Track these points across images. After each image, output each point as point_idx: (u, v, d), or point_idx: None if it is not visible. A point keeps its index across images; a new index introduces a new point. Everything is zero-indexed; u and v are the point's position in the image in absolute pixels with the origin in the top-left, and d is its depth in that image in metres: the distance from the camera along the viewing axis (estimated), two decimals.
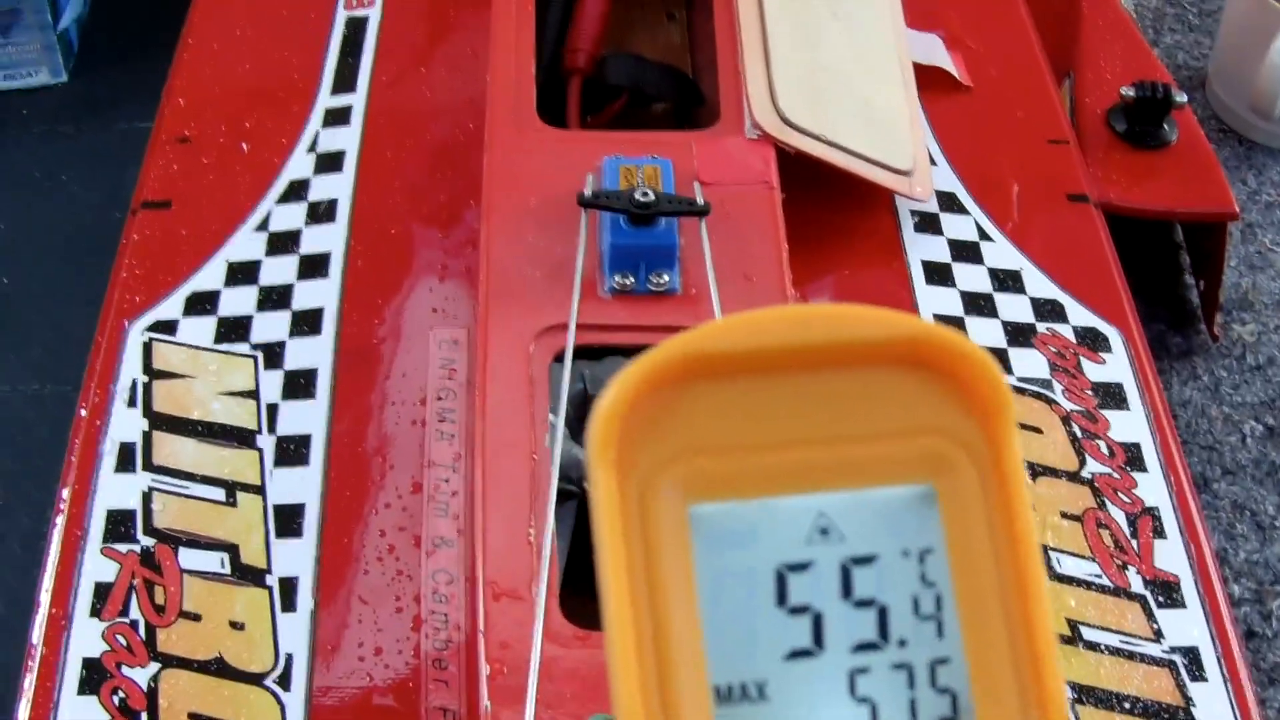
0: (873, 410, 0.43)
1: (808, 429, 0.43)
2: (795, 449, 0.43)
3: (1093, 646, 1.05)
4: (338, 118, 1.37)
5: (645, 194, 1.08)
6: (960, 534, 0.43)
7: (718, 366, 0.42)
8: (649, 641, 0.40)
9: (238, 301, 1.22)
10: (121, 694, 0.99)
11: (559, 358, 1.05)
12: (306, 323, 1.20)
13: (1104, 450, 1.15)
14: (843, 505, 0.43)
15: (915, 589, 0.43)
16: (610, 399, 0.41)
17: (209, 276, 1.24)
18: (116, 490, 1.10)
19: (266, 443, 1.13)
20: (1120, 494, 1.13)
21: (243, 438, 1.13)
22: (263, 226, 1.28)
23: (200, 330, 1.19)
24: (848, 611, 0.42)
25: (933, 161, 1.35)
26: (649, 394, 0.41)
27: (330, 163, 1.33)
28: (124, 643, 1.01)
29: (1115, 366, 1.22)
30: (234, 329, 1.19)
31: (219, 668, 1.01)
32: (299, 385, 1.16)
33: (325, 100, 1.39)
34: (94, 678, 1.00)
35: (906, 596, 0.42)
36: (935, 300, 1.25)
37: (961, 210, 1.33)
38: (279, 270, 1.24)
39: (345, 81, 1.41)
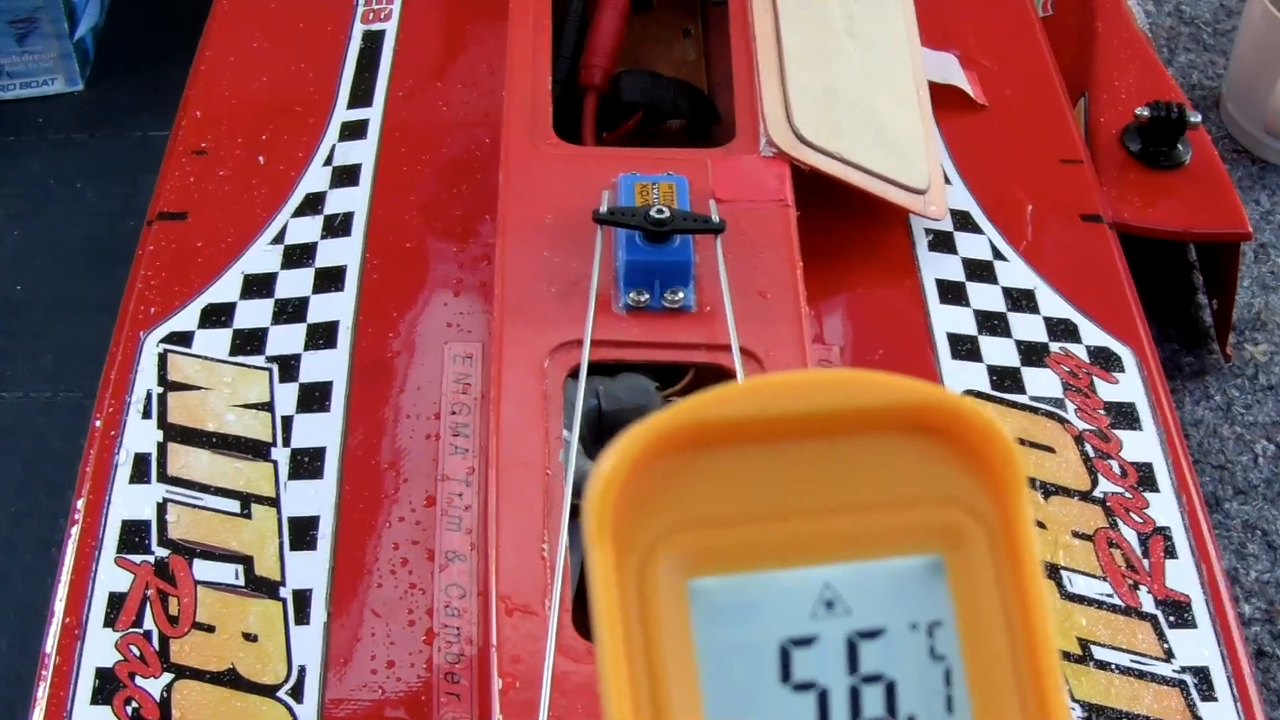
0: (880, 479, 0.42)
1: (812, 498, 0.41)
2: (799, 519, 0.41)
3: (1103, 666, 1.05)
4: (354, 131, 1.38)
5: (660, 211, 1.08)
6: (971, 606, 0.41)
7: (719, 435, 0.41)
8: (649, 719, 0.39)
9: (253, 314, 1.22)
10: (134, 704, 0.99)
11: (573, 374, 1.05)
12: (322, 336, 1.20)
13: (1116, 470, 1.16)
14: (849, 577, 0.41)
15: (924, 663, 0.41)
16: (607, 469, 0.39)
17: (224, 289, 1.24)
18: (131, 501, 1.10)
19: (281, 455, 1.13)
20: (1132, 513, 1.13)
21: (257, 450, 1.13)
22: (278, 239, 1.28)
23: (215, 342, 1.20)
24: (854, 687, 0.41)
25: (947, 180, 1.36)
26: (648, 464, 0.40)
27: (346, 176, 1.33)
28: (137, 653, 1.02)
29: (1128, 386, 1.22)
30: (249, 341, 1.20)
31: (232, 679, 1.01)
32: (314, 398, 1.16)
33: (341, 114, 1.40)
34: (107, 688, 1.00)
35: (915, 671, 0.41)
36: (948, 319, 1.25)
37: (975, 229, 1.33)
38: (294, 283, 1.24)
39: (362, 95, 1.41)
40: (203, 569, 1.06)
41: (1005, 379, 1.21)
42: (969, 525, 0.41)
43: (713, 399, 0.40)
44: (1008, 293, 1.28)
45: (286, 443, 1.14)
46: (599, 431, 1.06)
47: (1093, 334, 1.25)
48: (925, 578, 0.41)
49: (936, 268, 1.29)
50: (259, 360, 1.19)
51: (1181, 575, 1.11)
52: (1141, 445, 1.18)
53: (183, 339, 1.20)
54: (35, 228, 1.83)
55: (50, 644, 1.03)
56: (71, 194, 1.88)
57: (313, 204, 1.31)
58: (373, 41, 1.47)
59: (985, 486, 0.42)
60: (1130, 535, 1.12)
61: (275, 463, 1.12)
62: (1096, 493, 1.14)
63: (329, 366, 1.18)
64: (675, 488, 0.40)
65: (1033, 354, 1.23)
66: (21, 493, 1.56)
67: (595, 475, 0.39)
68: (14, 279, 1.77)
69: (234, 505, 1.10)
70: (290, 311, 1.22)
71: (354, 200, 1.31)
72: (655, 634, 0.40)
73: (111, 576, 1.06)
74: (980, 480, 0.42)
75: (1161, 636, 1.07)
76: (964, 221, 1.33)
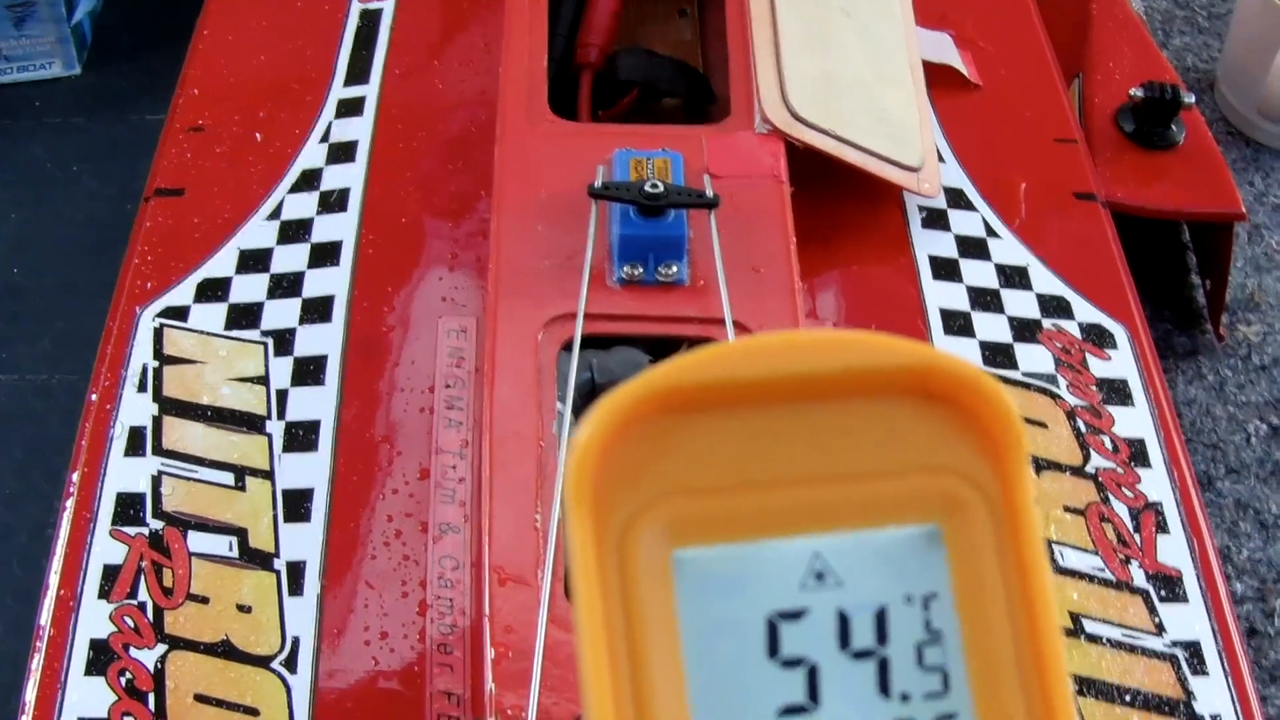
0: (874, 445, 0.40)
1: (803, 465, 0.39)
2: (789, 487, 0.39)
3: (1094, 639, 1.05)
4: (351, 108, 1.38)
5: (655, 186, 1.08)
6: (968, 578, 0.40)
7: (705, 398, 0.39)
8: (629, 697, 0.37)
9: (249, 289, 1.22)
10: (129, 675, 1.00)
11: (567, 346, 1.06)
12: (317, 310, 1.21)
13: (1108, 445, 1.16)
14: (841, 547, 0.40)
15: (919, 638, 0.40)
16: (587, 434, 0.38)
17: (221, 264, 1.24)
18: (126, 474, 1.10)
19: (276, 428, 1.13)
20: (1124, 489, 1.13)
21: (252, 423, 1.13)
22: (275, 215, 1.28)
23: (211, 317, 1.20)
24: (845, 663, 0.39)
25: (941, 159, 1.36)
26: (630, 429, 0.39)
27: (342, 153, 1.33)
28: (132, 624, 1.02)
29: (1120, 363, 1.22)
30: (245, 316, 1.20)
31: (226, 650, 1.01)
32: (308, 372, 1.17)
33: (338, 91, 1.40)
34: (101, 659, 1.01)
35: (909, 646, 0.39)
36: (942, 295, 1.25)
37: (969, 207, 1.33)
38: (290, 258, 1.25)
39: (358, 73, 1.42)
40: (197, 541, 1.07)
41: (998, 355, 1.21)
42: (967, 493, 0.40)
43: (698, 360, 0.39)
44: (1001, 269, 1.28)
45: (281, 416, 1.14)
46: (592, 404, 1.06)
47: (1085, 311, 1.25)
48: (921, 548, 0.40)
49: (930, 245, 1.29)
50: (254, 334, 1.19)
51: (1173, 550, 1.11)
52: (1133, 421, 1.18)
53: (179, 313, 1.20)
54: (33, 212, 1.84)
55: (45, 616, 1.03)
56: (69, 178, 1.88)
57: (309, 180, 1.31)
58: (370, 20, 1.48)
59: (985, 453, 0.40)
60: (1122, 510, 1.12)
61: (270, 436, 1.13)
62: (1088, 468, 1.14)
63: (324, 341, 1.19)
64: (658, 454, 0.39)
65: (1025, 330, 1.23)
66: (19, 476, 1.56)
67: (574, 441, 0.38)
68: (12, 263, 1.78)
69: (228, 478, 1.10)
70: (286, 286, 1.22)
71: (350, 177, 1.31)
72: (637, 607, 0.38)
73: (106, 549, 1.06)
74: (980, 446, 0.40)
75: (1153, 610, 1.07)
76: (957, 199, 1.34)
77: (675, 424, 0.39)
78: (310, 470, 1.11)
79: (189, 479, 1.10)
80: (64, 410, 1.58)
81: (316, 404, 1.15)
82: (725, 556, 0.39)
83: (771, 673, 0.39)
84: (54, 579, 1.05)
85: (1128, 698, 1.03)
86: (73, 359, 1.65)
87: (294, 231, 1.27)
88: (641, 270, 1.10)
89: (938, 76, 1.42)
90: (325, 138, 1.35)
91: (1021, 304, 1.25)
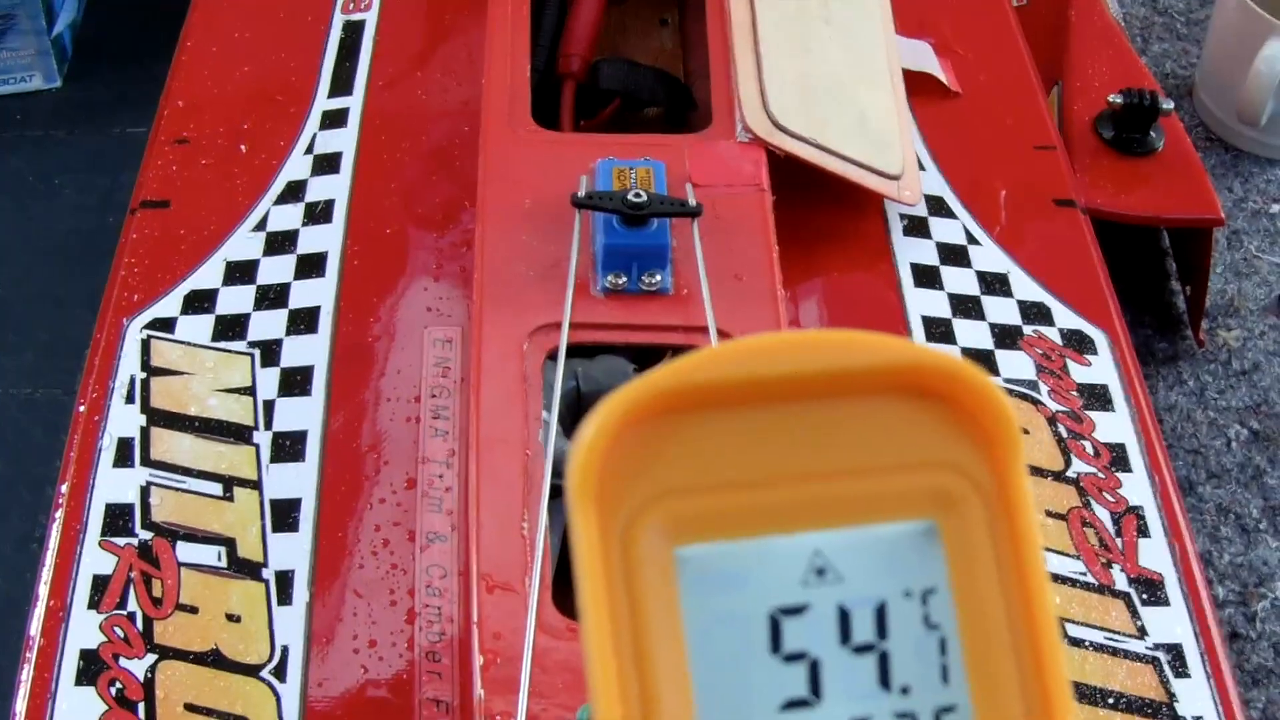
0: (871, 442, 0.40)
1: (802, 463, 0.40)
2: (789, 485, 0.40)
3: (1077, 643, 1.06)
4: (335, 120, 1.38)
5: (638, 195, 1.09)
6: (966, 573, 0.40)
7: (705, 398, 0.40)
8: (634, 693, 0.38)
9: (235, 300, 1.23)
10: (119, 685, 1.00)
11: (552, 356, 1.06)
12: (303, 321, 1.21)
13: (1089, 450, 1.17)
14: (840, 544, 0.40)
15: (918, 632, 0.40)
16: (590, 434, 0.38)
17: (207, 275, 1.25)
18: (115, 485, 1.10)
19: (263, 439, 1.14)
20: (1105, 493, 1.14)
21: (240, 433, 1.14)
22: (260, 226, 1.29)
23: (198, 328, 1.20)
24: (846, 658, 0.40)
25: (921, 166, 1.37)
26: (632, 429, 0.39)
27: (327, 164, 1.34)
28: (121, 634, 1.02)
29: (1101, 368, 1.23)
30: (231, 327, 1.21)
31: (215, 659, 1.02)
32: (295, 382, 1.17)
33: (322, 103, 1.40)
34: (92, 669, 1.01)
35: (909, 640, 0.40)
36: (923, 302, 1.26)
37: (950, 214, 1.34)
38: (276, 269, 1.25)
39: (342, 84, 1.42)
40: (186, 551, 1.07)
41: (979, 361, 1.22)
42: (964, 489, 0.41)
43: (698, 361, 0.39)
44: (981, 276, 1.29)
45: (268, 426, 1.14)
46: (577, 412, 1.07)
47: (1066, 317, 1.26)
48: (919, 544, 0.40)
49: (911, 252, 1.30)
50: (241, 345, 1.19)
51: (1154, 553, 1.12)
52: (1114, 426, 1.19)
53: (165, 325, 1.21)
54: (14, 225, 1.83)
55: (35, 627, 1.03)
56: (51, 190, 1.88)
57: (294, 192, 1.32)
58: (353, 31, 1.48)
59: (980, 449, 0.40)
60: (1103, 514, 1.13)
61: (257, 446, 1.13)
62: (1070, 473, 1.15)
63: (310, 351, 1.19)
64: (660, 453, 0.39)
65: (1006, 337, 1.24)
66: (3, 489, 1.56)
67: (577, 441, 0.38)
68: None
69: (216, 488, 1.11)
70: (272, 297, 1.23)
71: (335, 188, 1.32)
72: (641, 604, 0.38)
73: (95, 559, 1.07)
74: (975, 443, 0.41)
75: (1134, 614, 1.08)
76: (938, 207, 1.34)
77: (675, 424, 0.40)
78: (298, 480, 1.11)
79: (177, 489, 1.10)
80: (48, 424, 1.57)
81: (303, 414, 1.15)
82: (727, 553, 0.40)
83: (774, 667, 0.40)
84: (44, 590, 1.05)
85: (1111, 700, 1.03)
86: (56, 371, 1.64)
87: (280, 243, 1.27)
88: (625, 279, 1.10)
89: (918, 84, 1.43)
90: (310, 149, 1.35)
91: (1002, 311, 1.26)
